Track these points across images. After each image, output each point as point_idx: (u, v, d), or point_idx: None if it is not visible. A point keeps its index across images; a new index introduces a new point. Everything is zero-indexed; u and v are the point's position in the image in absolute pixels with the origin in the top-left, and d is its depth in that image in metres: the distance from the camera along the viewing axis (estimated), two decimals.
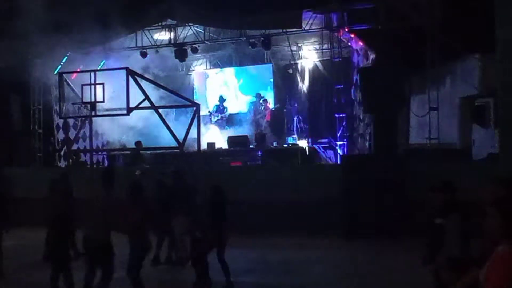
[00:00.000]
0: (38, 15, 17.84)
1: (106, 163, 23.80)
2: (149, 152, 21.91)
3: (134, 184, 8.96)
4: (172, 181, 12.02)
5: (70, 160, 20.97)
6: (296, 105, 23.83)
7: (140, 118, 20.41)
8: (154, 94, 19.54)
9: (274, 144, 22.11)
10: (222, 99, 24.04)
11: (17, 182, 14.26)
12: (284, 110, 23.84)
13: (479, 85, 17.87)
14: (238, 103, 24.31)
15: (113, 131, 21.86)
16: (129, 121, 20.38)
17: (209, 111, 23.95)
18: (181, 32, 21.85)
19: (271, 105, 23.72)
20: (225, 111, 23.88)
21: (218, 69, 25.78)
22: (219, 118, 23.74)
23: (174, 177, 12.06)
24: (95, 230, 8.21)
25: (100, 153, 24.13)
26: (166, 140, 19.21)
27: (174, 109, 21.46)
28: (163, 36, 22.26)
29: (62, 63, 22.46)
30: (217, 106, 24.09)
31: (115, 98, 19.11)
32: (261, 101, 23.25)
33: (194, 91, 25.61)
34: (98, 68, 21.80)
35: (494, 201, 4.36)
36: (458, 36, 17.35)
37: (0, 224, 11.41)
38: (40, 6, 17.83)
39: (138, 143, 21.24)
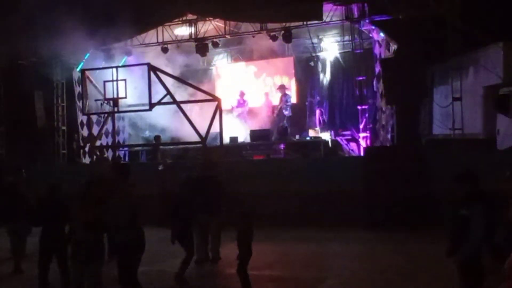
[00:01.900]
0: (60, 13, 17.99)
1: (127, 158, 23.98)
2: (171, 147, 22.03)
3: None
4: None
5: (94, 156, 21.10)
6: (318, 97, 23.76)
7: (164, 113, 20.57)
8: (177, 89, 19.63)
9: (297, 137, 22.08)
10: (242, 93, 24.01)
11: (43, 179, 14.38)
12: (306, 103, 23.77)
13: (502, 74, 17.65)
14: (258, 97, 24.22)
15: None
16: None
17: (231, 105, 23.94)
18: (202, 27, 21.85)
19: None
20: (245, 105, 23.84)
21: (239, 63, 25.76)
22: (240, 112, 23.72)
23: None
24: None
25: (122, 149, 24.30)
26: (192, 135, 19.22)
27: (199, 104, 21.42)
28: (183, 31, 22.28)
29: (84, 60, 22.62)
30: (238, 100, 24.08)
31: (138, 95, 19.21)
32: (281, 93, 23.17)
33: (216, 86, 25.62)
34: (120, 65, 21.96)
35: None
36: (480, 24, 17.17)
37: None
38: (63, 4, 17.98)
39: (157, 137, 21.36)
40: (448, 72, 18.37)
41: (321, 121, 22.62)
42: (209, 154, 17.56)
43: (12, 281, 10.94)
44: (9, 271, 11.48)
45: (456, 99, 17.47)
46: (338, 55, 23.52)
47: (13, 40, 21.28)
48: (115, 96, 18.80)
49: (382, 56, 19.65)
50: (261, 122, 23.21)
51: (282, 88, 23.06)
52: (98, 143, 21.96)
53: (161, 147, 21.41)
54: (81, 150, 22.46)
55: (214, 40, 21.88)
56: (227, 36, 21.95)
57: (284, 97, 22.82)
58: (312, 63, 23.99)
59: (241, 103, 23.85)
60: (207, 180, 11.73)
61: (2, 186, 12.98)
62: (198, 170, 12.48)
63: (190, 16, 21.27)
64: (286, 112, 22.73)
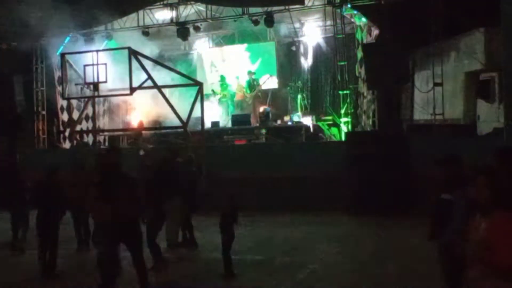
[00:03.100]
0: None
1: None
2: (152, 132, 21.92)
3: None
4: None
5: (74, 141, 20.96)
6: (299, 82, 23.76)
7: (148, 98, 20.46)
8: (158, 74, 19.50)
9: (278, 122, 22.07)
10: (223, 78, 23.94)
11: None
12: (288, 88, 23.75)
13: (483, 59, 17.75)
14: (240, 81, 24.13)
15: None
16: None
17: (212, 90, 23.85)
18: (183, 11, 21.70)
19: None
20: (228, 89, 23.78)
21: (220, 48, 25.66)
22: (222, 96, 23.65)
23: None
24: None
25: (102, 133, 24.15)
26: (174, 120, 19.11)
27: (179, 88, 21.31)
28: (165, 15, 22.12)
29: (64, 44, 22.40)
30: (221, 85, 24.00)
31: (118, 79, 19.06)
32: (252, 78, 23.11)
33: (197, 70, 25.51)
34: (101, 49, 21.76)
35: (482, 172, 4.44)
36: (462, 10, 17.23)
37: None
38: None
39: (140, 122, 21.24)
40: (429, 57, 18.42)
41: (303, 106, 22.64)
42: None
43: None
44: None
45: (437, 84, 17.54)
46: (320, 40, 23.52)
47: None
48: (96, 80, 18.62)
49: (364, 41, 19.66)
50: (244, 106, 23.20)
51: (250, 74, 22.99)
52: (78, 127, 21.79)
53: (143, 132, 21.29)
54: (61, 135, 22.29)
55: (196, 24, 21.75)
56: (208, 20, 21.82)
57: (254, 82, 22.76)
58: (294, 48, 24.00)
59: (224, 87, 23.80)
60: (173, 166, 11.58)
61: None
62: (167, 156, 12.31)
63: (171, 0, 21.10)
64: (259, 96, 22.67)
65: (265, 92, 23.07)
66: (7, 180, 12.19)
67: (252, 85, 22.65)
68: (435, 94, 17.45)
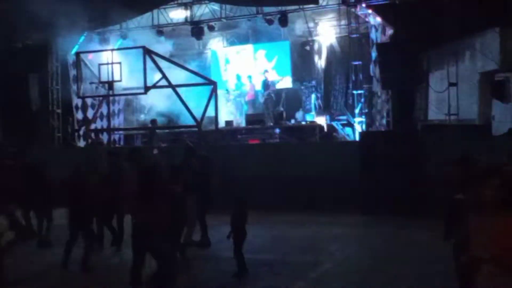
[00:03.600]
0: None
1: (122, 142, 23.99)
2: (167, 130, 22.01)
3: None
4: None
5: (89, 140, 21.07)
6: (313, 82, 23.73)
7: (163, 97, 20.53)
8: (172, 73, 19.55)
9: (292, 121, 22.07)
10: (239, 77, 23.97)
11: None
12: (302, 87, 23.74)
13: (499, 60, 17.62)
14: (255, 81, 24.13)
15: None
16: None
17: (226, 89, 23.88)
18: (197, 10, 21.76)
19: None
20: (242, 89, 23.81)
21: (235, 47, 25.69)
22: (236, 96, 23.69)
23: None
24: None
25: (117, 132, 24.26)
26: (189, 119, 19.16)
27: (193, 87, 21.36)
28: (179, 14, 22.19)
29: (79, 43, 22.52)
30: (236, 85, 24.06)
31: (133, 78, 19.15)
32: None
33: (211, 69, 25.56)
34: (116, 48, 21.87)
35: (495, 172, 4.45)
36: (477, 9, 17.11)
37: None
38: None
39: (153, 121, 21.30)
40: (444, 57, 18.33)
41: (317, 105, 22.62)
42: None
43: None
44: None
45: (452, 84, 17.45)
46: (334, 40, 23.48)
47: (8, 23, 21.18)
48: (110, 79, 18.72)
49: (378, 41, 19.61)
50: (259, 106, 23.23)
51: (266, 73, 22.97)
52: (92, 126, 21.90)
53: (157, 130, 21.38)
54: (76, 133, 22.41)
55: (210, 23, 21.79)
56: (223, 19, 21.87)
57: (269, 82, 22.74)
58: (308, 48, 23.97)
59: (238, 87, 23.83)
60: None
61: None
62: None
63: None
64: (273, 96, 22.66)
65: (279, 91, 23.06)
66: (31, 178, 12.26)
67: (268, 85, 22.62)
68: (449, 94, 17.37)
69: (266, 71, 23.00)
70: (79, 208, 9.77)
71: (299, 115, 22.28)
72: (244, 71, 24.26)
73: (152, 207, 7.67)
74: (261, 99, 22.86)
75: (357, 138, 19.16)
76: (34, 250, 11.56)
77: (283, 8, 20.32)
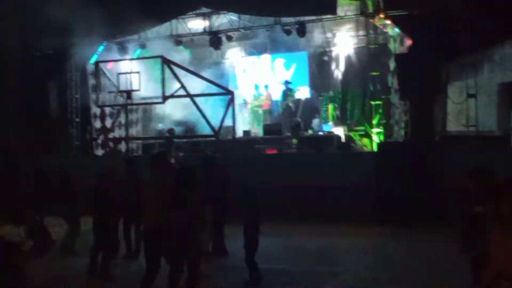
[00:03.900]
0: (75, 5, 18.03)
1: (140, 151, 24.12)
2: (184, 140, 22.07)
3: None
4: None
5: (107, 149, 21.19)
6: (331, 92, 23.71)
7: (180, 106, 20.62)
8: (190, 82, 19.64)
9: (310, 132, 22.05)
10: (257, 87, 24.02)
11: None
12: (320, 98, 23.72)
13: None
14: (273, 91, 24.14)
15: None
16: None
17: (243, 99, 23.92)
18: (216, 20, 21.85)
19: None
20: (260, 98, 23.83)
21: (253, 57, 25.75)
22: (254, 105, 23.72)
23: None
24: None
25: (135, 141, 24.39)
26: (206, 128, 19.23)
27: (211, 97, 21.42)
28: (197, 24, 22.29)
29: (98, 52, 22.69)
30: (254, 95, 24.10)
31: (151, 87, 19.27)
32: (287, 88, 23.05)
33: (229, 79, 25.63)
34: (134, 57, 22.02)
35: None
36: (496, 20, 17.03)
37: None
38: None
39: (170, 130, 21.38)
40: (463, 68, 18.26)
41: (335, 116, 22.58)
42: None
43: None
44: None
45: (470, 95, 17.37)
46: (352, 50, 23.47)
47: (28, 32, 21.41)
48: (129, 88, 18.84)
49: (397, 52, 19.57)
50: (276, 116, 23.26)
51: (286, 83, 22.96)
52: (111, 135, 22.02)
53: (175, 140, 21.45)
54: (94, 142, 22.54)
55: (228, 33, 21.86)
56: (241, 29, 21.93)
57: (289, 91, 22.73)
58: (326, 58, 23.96)
59: (256, 97, 23.86)
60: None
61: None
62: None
63: (204, 9, 21.26)
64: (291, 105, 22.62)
65: (297, 101, 23.03)
66: (58, 185, 12.39)
67: (287, 95, 22.60)
68: (468, 105, 17.29)
69: (287, 81, 22.95)
70: (105, 216, 9.87)
71: (315, 122, 22.27)
72: (262, 80, 24.27)
73: (180, 211, 7.75)
74: (280, 109, 22.84)
75: (375, 149, 19.09)
76: (58, 258, 11.69)
77: (301, 18, 20.33)
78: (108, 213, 9.95)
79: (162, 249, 7.96)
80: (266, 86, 23.74)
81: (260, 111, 23.58)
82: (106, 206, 9.90)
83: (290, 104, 22.48)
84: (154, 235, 7.94)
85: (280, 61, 24.74)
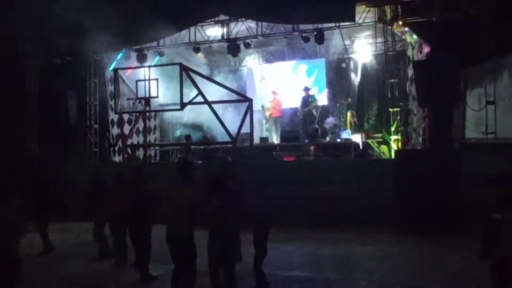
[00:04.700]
0: (94, 12, 18.17)
1: (158, 157, 24.24)
2: (202, 147, 22.12)
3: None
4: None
5: (125, 155, 21.28)
6: (349, 99, 23.66)
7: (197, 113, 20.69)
8: (208, 89, 19.70)
9: (327, 139, 21.99)
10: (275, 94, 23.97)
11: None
12: (338, 105, 23.68)
13: None
14: (291, 98, 24.09)
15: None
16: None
17: (261, 106, 23.91)
18: (234, 27, 21.90)
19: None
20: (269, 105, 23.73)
21: (271, 64, 25.76)
22: (271, 113, 23.68)
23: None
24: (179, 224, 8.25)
25: (153, 148, 24.49)
26: (224, 135, 19.25)
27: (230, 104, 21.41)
28: (215, 31, 22.36)
29: (117, 60, 22.85)
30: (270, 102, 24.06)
31: (169, 94, 19.33)
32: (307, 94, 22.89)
33: (247, 86, 25.66)
34: (153, 64, 22.13)
35: None
36: None
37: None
38: (97, 3, 18.16)
39: (188, 137, 21.44)
40: (481, 75, 18.15)
41: (352, 123, 22.51)
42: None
43: None
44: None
45: (489, 102, 17.25)
46: (370, 57, 23.43)
47: (48, 39, 21.59)
48: (147, 95, 18.93)
49: (415, 58, 19.50)
50: (294, 123, 23.24)
51: (306, 89, 22.87)
52: (129, 142, 22.13)
53: (192, 146, 21.51)
54: (112, 149, 22.66)
55: (246, 41, 21.90)
56: (259, 37, 21.95)
57: (309, 98, 22.61)
58: (344, 65, 23.93)
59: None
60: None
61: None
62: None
63: (222, 17, 21.32)
64: (314, 112, 22.50)
65: (316, 108, 23.02)
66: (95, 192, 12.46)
67: (307, 101, 22.52)
68: (487, 113, 17.17)
69: (306, 88, 22.84)
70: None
71: (329, 119, 22.18)
72: (280, 87, 24.23)
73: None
74: (300, 116, 22.74)
75: (393, 156, 19.01)
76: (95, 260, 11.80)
77: (319, 25, 20.33)
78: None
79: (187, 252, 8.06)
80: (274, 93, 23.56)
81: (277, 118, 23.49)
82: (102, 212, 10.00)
83: (313, 111, 22.33)
84: (180, 240, 8.05)
85: (303, 67, 24.71)
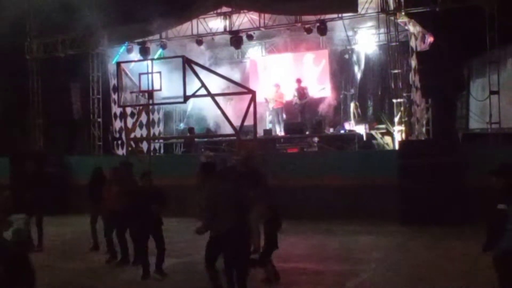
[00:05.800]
0: (96, 6, 18.18)
1: (162, 150, 24.25)
2: (205, 139, 22.12)
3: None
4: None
5: (129, 148, 21.29)
6: (352, 90, 23.62)
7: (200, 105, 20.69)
8: (211, 81, 19.67)
9: (331, 130, 21.98)
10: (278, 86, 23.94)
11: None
12: (341, 96, 23.64)
13: None
14: (292, 90, 24.00)
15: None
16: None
17: (265, 98, 23.87)
18: (236, 20, 21.84)
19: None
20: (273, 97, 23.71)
21: (273, 56, 25.71)
22: (274, 105, 23.64)
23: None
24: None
25: (157, 141, 24.50)
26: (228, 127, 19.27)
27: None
28: (218, 24, 22.31)
29: (120, 53, 22.84)
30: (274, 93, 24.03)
31: (172, 87, 19.33)
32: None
33: (250, 78, 25.61)
34: (156, 57, 22.11)
35: None
36: None
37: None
38: None
39: (191, 129, 21.43)
40: (485, 65, 18.10)
41: (356, 114, 22.48)
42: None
43: None
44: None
45: (493, 92, 17.22)
46: (374, 48, 23.36)
47: (51, 33, 21.63)
48: (150, 88, 18.91)
49: (418, 49, 19.44)
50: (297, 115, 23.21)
51: (298, 81, 22.82)
52: (132, 135, 22.12)
53: (196, 139, 21.52)
54: (115, 142, 22.68)
55: (249, 33, 21.85)
56: (261, 28, 21.90)
57: (303, 90, 22.56)
58: (347, 56, 23.85)
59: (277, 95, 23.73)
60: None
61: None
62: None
63: (224, 9, 21.28)
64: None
65: (318, 100, 22.98)
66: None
67: (302, 93, 22.49)
68: (491, 103, 17.15)
69: (299, 79, 22.81)
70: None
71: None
72: (284, 79, 24.17)
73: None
74: (296, 108, 22.71)
75: (397, 147, 18.99)
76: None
77: (322, 17, 20.27)
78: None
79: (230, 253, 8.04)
80: (278, 85, 23.49)
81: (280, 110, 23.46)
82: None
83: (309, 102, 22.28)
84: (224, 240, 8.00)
85: (309, 56, 24.60)
